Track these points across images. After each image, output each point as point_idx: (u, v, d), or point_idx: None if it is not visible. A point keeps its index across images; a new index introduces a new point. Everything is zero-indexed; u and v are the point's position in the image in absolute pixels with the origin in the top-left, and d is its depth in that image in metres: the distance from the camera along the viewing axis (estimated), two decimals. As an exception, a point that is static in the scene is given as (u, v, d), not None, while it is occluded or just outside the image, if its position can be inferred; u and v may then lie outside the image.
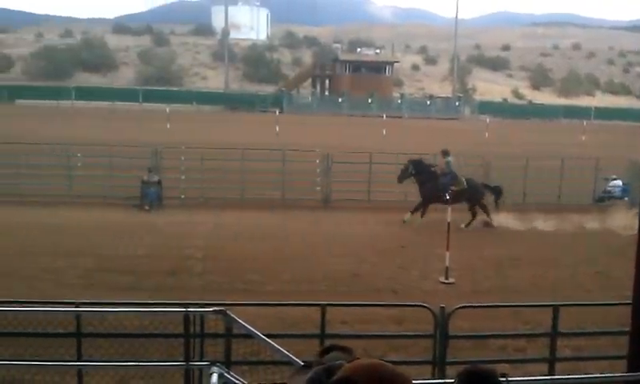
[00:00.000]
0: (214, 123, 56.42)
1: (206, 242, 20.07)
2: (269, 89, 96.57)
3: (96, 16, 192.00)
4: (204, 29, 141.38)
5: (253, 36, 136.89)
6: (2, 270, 16.45)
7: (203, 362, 8.65)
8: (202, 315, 8.85)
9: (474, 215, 24.15)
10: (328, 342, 9.34)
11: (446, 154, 25.02)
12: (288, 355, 7.86)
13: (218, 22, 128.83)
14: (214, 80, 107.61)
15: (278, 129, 48.80)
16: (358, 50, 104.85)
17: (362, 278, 17.07)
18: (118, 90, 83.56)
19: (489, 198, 24.82)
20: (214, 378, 7.53)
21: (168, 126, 48.67)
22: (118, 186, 26.39)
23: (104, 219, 22.58)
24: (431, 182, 24.16)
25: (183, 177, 26.80)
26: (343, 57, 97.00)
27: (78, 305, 9.20)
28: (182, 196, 26.40)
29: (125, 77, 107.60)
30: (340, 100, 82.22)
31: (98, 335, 9.76)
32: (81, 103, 72.67)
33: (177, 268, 17.33)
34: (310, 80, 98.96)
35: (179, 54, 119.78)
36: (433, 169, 24.75)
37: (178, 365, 8.92)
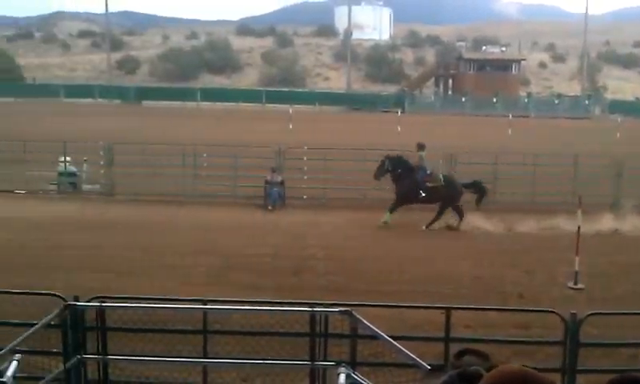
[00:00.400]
0: (335, 123, 56.67)
1: (327, 242, 20.12)
2: (391, 89, 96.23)
3: (220, 18, 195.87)
4: (327, 29, 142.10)
5: (375, 36, 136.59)
6: (130, 268, 16.97)
7: (329, 362, 8.62)
8: (327, 315, 8.81)
9: (438, 215, 22.78)
10: (454, 347, 9.20)
11: (420, 147, 23.80)
12: (414, 358, 7.70)
13: (340, 23, 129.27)
14: (336, 80, 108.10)
15: (399, 129, 48.53)
16: (483, 48, 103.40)
17: (485, 280, 16.70)
18: (242, 91, 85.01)
19: (469, 197, 23.68)
20: (342, 378, 7.48)
21: (290, 126, 49.14)
22: (243, 186, 26.81)
23: (229, 218, 22.97)
24: (408, 179, 23.08)
25: (306, 177, 26.98)
26: (467, 55, 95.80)
27: (205, 302, 9.32)
28: (304, 196, 26.58)
29: (248, 78, 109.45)
30: (463, 99, 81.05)
31: (224, 333, 9.86)
32: (205, 104, 74.34)
33: (299, 268, 17.42)
34: (432, 79, 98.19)
35: (302, 55, 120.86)
36: (411, 165, 23.41)
37: (305, 364, 8.91)
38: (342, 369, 7.68)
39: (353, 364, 8.41)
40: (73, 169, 27.22)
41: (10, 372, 5.96)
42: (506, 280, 16.76)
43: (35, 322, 8.73)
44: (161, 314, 9.76)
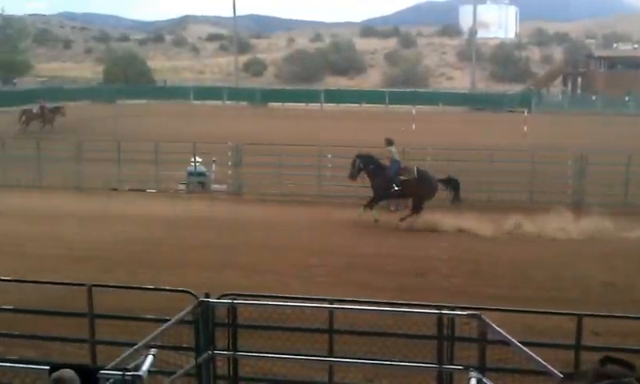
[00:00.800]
0: (459, 124, 56.02)
1: (451, 244, 19.94)
2: (516, 88, 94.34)
3: (345, 20, 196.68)
4: (451, 29, 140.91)
5: (501, 34, 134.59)
6: (255, 266, 17.33)
7: (457, 366, 8.56)
8: (453, 318, 8.73)
9: (415, 209, 22.90)
10: (586, 355, 8.94)
11: (389, 142, 23.93)
12: (545, 365, 7.55)
13: (465, 22, 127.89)
14: (460, 80, 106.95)
15: (525, 129, 47.53)
16: (614, 45, 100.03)
17: (617, 287, 16.15)
18: (365, 92, 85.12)
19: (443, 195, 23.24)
20: (473, 382, 7.40)
21: (413, 127, 48.93)
22: (366, 187, 26.83)
23: (352, 219, 23.03)
24: (381, 174, 23.26)
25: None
26: (597, 53, 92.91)
27: (331, 302, 9.41)
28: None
29: (372, 79, 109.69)
30: (594, 98, 78.53)
31: (350, 332, 9.92)
32: (329, 106, 74.84)
33: (421, 269, 17.36)
34: (560, 78, 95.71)
35: (425, 55, 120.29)
36: (381, 161, 23.58)
37: (433, 367, 8.86)
38: (473, 373, 7.60)
39: (482, 369, 8.30)
40: (202, 169, 27.97)
41: (145, 366, 6.18)
42: (637, 287, 16.17)
43: (167, 317, 9.05)
44: (286, 312, 9.89)
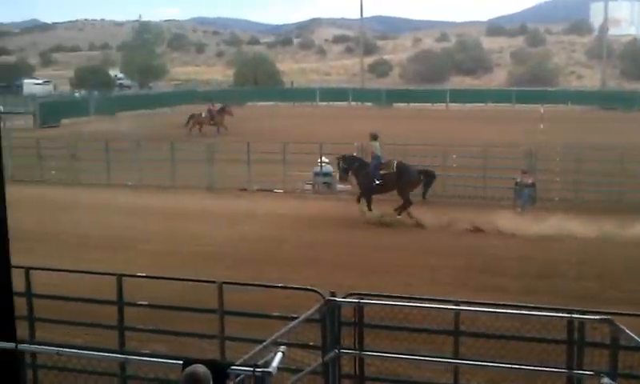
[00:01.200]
0: (589, 123, 54.34)
1: (576, 246, 19.40)
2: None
3: (470, 19, 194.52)
4: (580, 26, 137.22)
5: (633, 31, 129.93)
6: (375, 266, 17.54)
7: (587, 371, 8.38)
8: (583, 322, 8.54)
9: (405, 203, 23.43)
10: None
11: (373, 137, 24.66)
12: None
13: (595, 19, 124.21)
14: (591, 79, 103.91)
15: (660, 128, 45.77)
16: None
17: None
18: (491, 92, 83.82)
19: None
20: (605, 388, 7.24)
21: (541, 126, 47.83)
22: (492, 188, 26.55)
23: (479, 220, 22.72)
24: (364, 172, 24.14)
25: (557, 179, 26.19)
26: None
27: (457, 303, 9.38)
28: (556, 198, 25.77)
29: (498, 78, 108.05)
30: None
31: (476, 335, 9.85)
32: (455, 105, 74.10)
33: (547, 271, 17.06)
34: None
35: (554, 53, 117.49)
36: (364, 160, 24.85)
37: (562, 371, 8.70)
38: (606, 380, 7.40)
39: (613, 375, 8.08)
40: (328, 169, 28.27)
41: (275, 363, 6.33)
42: None
43: (292, 315, 9.24)
44: (412, 312, 9.92)
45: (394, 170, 23.78)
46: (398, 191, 23.73)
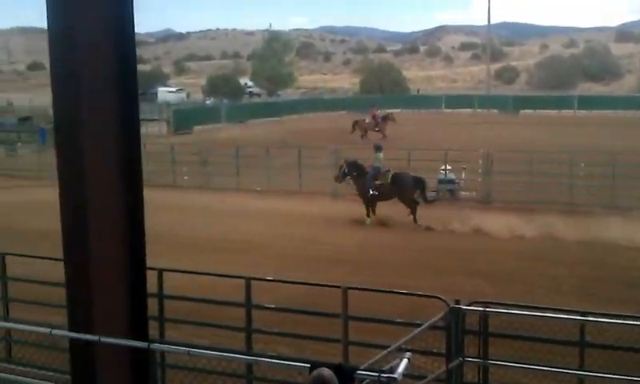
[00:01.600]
0: None
1: None
2: None
3: (600, 24, 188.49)
4: None
5: None
6: (494, 272, 17.41)
7: None
8: None
9: (412, 210, 24.22)
10: None
11: (377, 149, 25.72)
12: None
13: None
14: None
15: None
16: None
17: None
18: (621, 98, 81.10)
19: None
20: None
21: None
22: (621, 197, 25.71)
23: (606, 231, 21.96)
24: (361, 180, 24.96)
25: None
26: None
27: (583, 314, 9.23)
28: None
29: (628, 84, 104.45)
30: None
31: (601, 346, 9.67)
32: (582, 112, 72.04)
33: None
34: None
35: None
36: (364, 168, 25.34)
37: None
38: None
39: None
40: (452, 176, 28.13)
41: (400, 369, 6.39)
42: None
43: (416, 322, 9.30)
44: (537, 322, 9.80)
45: (388, 181, 24.68)
46: (399, 199, 24.66)
